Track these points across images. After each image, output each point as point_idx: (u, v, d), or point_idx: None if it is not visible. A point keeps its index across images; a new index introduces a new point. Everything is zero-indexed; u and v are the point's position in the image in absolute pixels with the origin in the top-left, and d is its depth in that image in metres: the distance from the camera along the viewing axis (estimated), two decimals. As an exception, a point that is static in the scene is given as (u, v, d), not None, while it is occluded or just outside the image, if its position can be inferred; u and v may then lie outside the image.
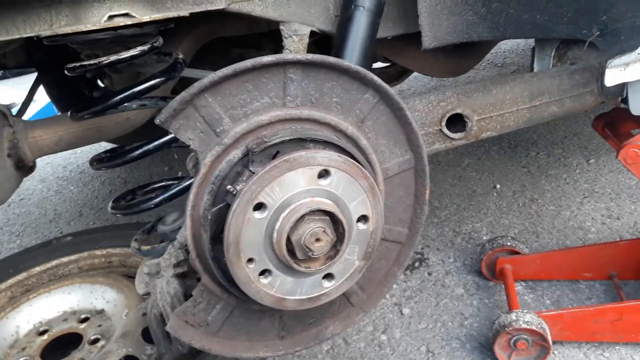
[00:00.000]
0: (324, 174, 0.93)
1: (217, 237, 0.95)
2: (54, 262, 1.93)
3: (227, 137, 0.96)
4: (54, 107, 3.04)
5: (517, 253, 2.05)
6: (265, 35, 2.17)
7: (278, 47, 2.19)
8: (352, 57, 1.26)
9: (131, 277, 1.79)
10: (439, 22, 1.46)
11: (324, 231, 0.92)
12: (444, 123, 1.46)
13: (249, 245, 0.91)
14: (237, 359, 1.17)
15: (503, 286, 2.00)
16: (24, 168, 1.65)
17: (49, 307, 1.75)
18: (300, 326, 1.12)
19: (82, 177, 3.70)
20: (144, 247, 1.37)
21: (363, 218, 0.98)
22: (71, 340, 1.63)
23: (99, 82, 2.64)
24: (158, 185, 1.54)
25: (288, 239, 0.91)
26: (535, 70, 1.76)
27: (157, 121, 0.92)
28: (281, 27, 1.40)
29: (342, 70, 1.00)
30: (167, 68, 1.36)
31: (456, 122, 1.49)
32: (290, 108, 1.00)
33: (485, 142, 3.21)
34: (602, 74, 1.47)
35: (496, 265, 2.03)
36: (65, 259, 1.95)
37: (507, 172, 2.88)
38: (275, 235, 0.91)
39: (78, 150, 4.03)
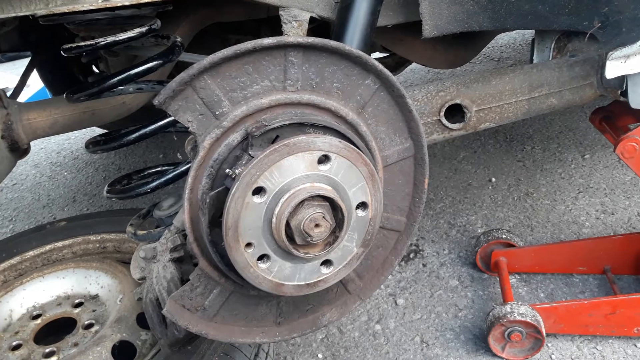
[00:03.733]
0: (323, 159, 0.92)
1: (216, 221, 0.94)
2: (48, 247, 1.91)
3: (226, 120, 0.95)
4: (48, 91, 3.01)
5: (512, 246, 2.05)
6: (263, 22, 2.15)
7: (276, 35, 2.18)
8: (352, 44, 1.25)
9: (126, 262, 1.78)
10: (439, 10, 1.45)
11: (323, 217, 0.91)
12: (442, 113, 1.46)
13: (248, 229, 0.90)
14: (234, 344, 1.17)
15: (497, 279, 2.01)
16: (18, 150, 1.63)
17: (43, 292, 1.73)
18: (297, 313, 1.11)
19: (76, 163, 3.68)
20: (140, 232, 1.36)
21: (362, 205, 0.98)
22: (65, 325, 1.61)
23: (94, 68, 2.62)
24: (154, 170, 1.52)
25: (287, 224, 0.90)
26: (534, 62, 1.75)
27: (155, 102, 0.91)
28: (281, 12, 1.39)
29: (344, 54, 0.99)
30: (164, 51, 1.35)
31: (455, 112, 1.49)
32: (291, 92, 0.99)
33: (482, 136, 3.21)
34: (602, 67, 1.47)
35: (491, 258, 2.04)
36: (59, 244, 1.93)
37: (502, 165, 2.88)
38: (274, 220, 0.91)
39: (72, 136, 3.99)
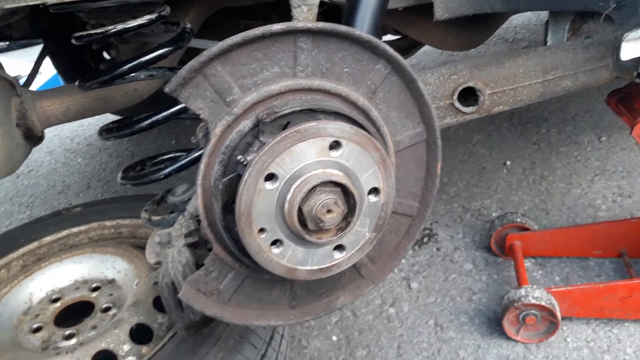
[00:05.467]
0: (335, 145, 0.92)
1: (229, 207, 0.95)
2: (64, 232, 1.94)
3: (237, 107, 0.95)
4: (60, 78, 3.03)
5: (526, 229, 2.05)
6: (272, 7, 2.14)
7: (286, 19, 2.17)
8: (362, 27, 1.23)
9: (141, 247, 1.80)
10: (452, -8, 1.43)
11: (335, 203, 0.91)
12: (455, 97, 1.44)
13: (261, 215, 0.91)
14: (249, 327, 1.19)
15: (512, 262, 2.01)
16: (33, 138, 1.65)
17: (61, 276, 1.77)
18: (310, 296, 1.12)
19: (90, 149, 3.72)
20: (155, 218, 1.38)
21: (374, 190, 0.98)
22: (83, 308, 1.65)
23: (105, 55, 2.63)
24: (167, 156, 1.53)
25: (299, 210, 0.91)
26: (548, 44, 1.72)
27: (166, 89, 0.91)
28: (290, -4, 1.38)
29: (354, 39, 0.98)
30: (175, 37, 1.34)
31: (468, 96, 1.47)
32: (301, 78, 0.98)
33: (496, 119, 3.17)
34: (618, 48, 1.44)
35: (505, 242, 2.03)
36: (75, 230, 1.96)
37: (517, 148, 2.86)
38: (286, 206, 0.91)
39: (85, 123, 4.03)
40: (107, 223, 1.98)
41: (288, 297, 1.10)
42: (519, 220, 2.06)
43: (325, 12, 1.88)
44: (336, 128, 0.91)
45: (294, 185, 0.91)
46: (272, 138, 0.91)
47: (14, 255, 1.86)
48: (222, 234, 0.98)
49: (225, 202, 0.95)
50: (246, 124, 0.96)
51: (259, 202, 0.90)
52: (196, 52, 1.62)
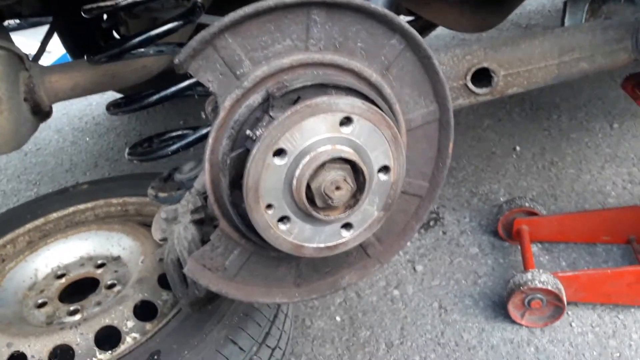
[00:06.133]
0: (345, 121, 0.90)
1: (236, 182, 0.94)
2: (71, 209, 1.94)
3: (247, 80, 0.93)
4: (69, 57, 3.02)
5: (534, 214, 2.03)
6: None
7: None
8: (376, 2, 1.20)
9: (147, 225, 1.80)
10: (468, -30, 1.40)
11: (345, 180, 0.90)
12: (469, 77, 1.42)
13: (268, 191, 0.90)
14: (253, 304, 1.18)
15: (518, 247, 1.99)
16: (41, 113, 1.64)
17: (67, 252, 1.77)
18: (316, 275, 1.11)
19: (98, 128, 3.71)
20: (161, 194, 1.37)
21: (384, 169, 0.96)
22: (88, 285, 1.65)
23: (115, 34, 2.60)
24: (175, 133, 1.52)
25: (308, 187, 0.89)
26: (566, 25, 1.69)
27: (175, 61, 0.89)
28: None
29: (369, 12, 0.96)
30: (185, 11, 1.33)
31: (481, 77, 1.45)
32: (313, 52, 0.96)
33: (507, 104, 3.14)
34: (638, 30, 1.41)
35: (513, 226, 2.01)
36: (81, 206, 1.95)
37: (527, 134, 2.82)
38: (294, 182, 0.89)
39: (93, 102, 4.02)
40: (114, 200, 1.97)
41: (294, 274, 1.09)
42: (527, 204, 2.04)
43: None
44: (347, 103, 0.89)
45: (303, 161, 0.89)
46: (282, 113, 0.89)
47: (20, 231, 1.86)
48: (229, 209, 0.97)
49: (232, 177, 0.94)
50: (256, 98, 0.94)
51: (267, 178, 0.89)
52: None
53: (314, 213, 0.91)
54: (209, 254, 1.01)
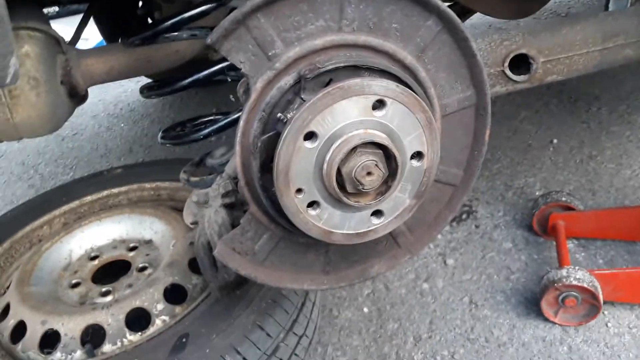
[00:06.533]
0: (378, 104, 0.88)
1: (267, 166, 0.93)
2: (105, 193, 1.97)
3: (279, 61, 0.92)
4: (105, 44, 3.06)
5: (571, 209, 1.96)
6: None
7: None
8: None
9: (179, 210, 1.81)
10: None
11: (376, 165, 0.87)
12: (507, 64, 1.37)
13: (299, 175, 0.88)
14: (281, 291, 1.18)
15: (553, 243, 1.93)
16: (77, 96, 1.66)
17: (100, 235, 1.80)
18: (345, 263, 1.10)
19: (132, 115, 3.76)
20: (193, 179, 1.38)
21: (418, 154, 0.93)
22: (120, 267, 1.67)
23: (150, 21, 2.63)
24: (207, 118, 1.52)
25: (338, 171, 0.87)
26: (610, 9, 1.62)
27: (208, 41, 0.88)
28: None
29: (405, -7, 0.93)
30: (218, -6, 1.32)
31: (519, 64, 1.40)
32: (346, 33, 0.94)
33: (544, 95, 3.04)
34: (689, 16, 1.34)
35: (548, 221, 1.95)
36: (115, 190, 1.98)
37: (565, 126, 2.73)
38: (325, 166, 0.88)
39: (128, 89, 4.08)
40: (147, 185, 2.00)
41: (322, 262, 1.08)
42: (563, 199, 1.97)
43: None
44: (381, 86, 0.87)
45: (334, 145, 0.87)
46: (313, 95, 0.87)
47: (57, 212, 1.91)
48: (259, 193, 0.96)
49: (263, 160, 0.93)
50: (287, 80, 0.93)
51: (297, 162, 0.88)
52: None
53: (344, 199, 0.89)
54: (238, 238, 1.01)
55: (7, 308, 1.53)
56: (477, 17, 2.37)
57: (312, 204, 0.92)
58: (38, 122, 1.52)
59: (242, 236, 1.01)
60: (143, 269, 1.64)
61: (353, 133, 0.87)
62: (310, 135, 0.87)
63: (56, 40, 1.55)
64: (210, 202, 1.22)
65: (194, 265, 1.51)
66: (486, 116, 1.06)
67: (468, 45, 0.99)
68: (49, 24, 1.57)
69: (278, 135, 0.90)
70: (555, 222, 1.93)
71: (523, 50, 1.37)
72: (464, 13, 2.41)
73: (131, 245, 1.76)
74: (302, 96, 0.90)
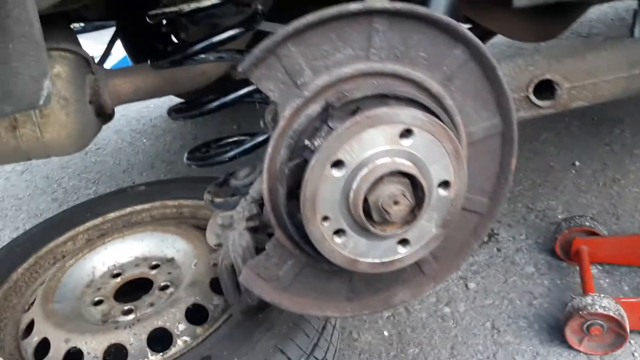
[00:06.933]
0: (406, 133, 0.88)
1: (293, 192, 0.93)
2: (128, 210, 1.99)
3: (307, 89, 0.93)
4: (129, 60, 3.12)
5: (595, 234, 1.93)
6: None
7: None
8: (437, 8, 1.18)
9: (201, 228, 1.82)
10: (533, -23, 1.35)
11: (403, 194, 0.87)
12: (531, 89, 1.37)
13: (325, 203, 0.89)
14: (303, 315, 1.17)
15: (577, 268, 1.90)
16: (104, 115, 1.70)
17: (123, 252, 1.81)
18: (369, 290, 1.09)
19: (155, 130, 3.82)
20: (217, 200, 1.39)
21: (444, 184, 0.93)
22: (142, 285, 1.68)
23: (173, 38, 2.68)
24: (232, 139, 1.54)
25: (365, 200, 0.87)
26: (636, 36, 1.61)
27: (239, 69, 0.90)
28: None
29: (432, 21, 0.94)
30: (246, 19, 1.34)
31: (543, 89, 1.39)
32: (374, 61, 0.95)
33: (566, 117, 3.02)
34: None
35: (572, 246, 1.92)
36: (138, 207, 2.00)
37: (587, 149, 2.70)
38: (352, 194, 0.88)
39: (151, 104, 4.14)
40: (170, 203, 2.01)
41: (346, 289, 1.08)
42: (587, 224, 1.94)
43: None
44: (408, 115, 0.87)
45: (361, 174, 0.87)
46: (340, 123, 0.88)
47: (80, 228, 1.93)
48: (284, 219, 0.97)
49: (290, 187, 0.94)
50: (315, 108, 0.94)
51: (324, 189, 0.88)
52: (265, 35, 1.61)
53: (370, 227, 0.89)
54: (263, 263, 1.01)
55: (31, 324, 1.54)
56: (498, 36, 2.37)
57: (338, 232, 0.92)
58: (67, 141, 1.55)
59: (267, 262, 1.01)
60: (165, 287, 1.64)
61: (380, 162, 0.87)
62: (337, 164, 0.88)
63: (86, 60, 1.59)
64: (234, 225, 1.22)
65: (215, 286, 1.51)
66: (512, 144, 1.06)
67: (495, 74, 0.99)
68: (79, 45, 1.61)
69: (305, 162, 0.91)
70: (579, 247, 1.90)
71: (548, 76, 1.36)
72: (485, 36, 2.41)
73: (153, 263, 1.76)
74: (330, 124, 0.90)
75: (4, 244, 2.19)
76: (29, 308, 1.65)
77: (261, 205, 1.13)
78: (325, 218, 0.90)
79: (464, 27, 0.95)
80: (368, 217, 0.89)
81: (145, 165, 3.34)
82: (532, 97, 1.37)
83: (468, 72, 0.99)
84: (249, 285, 1.00)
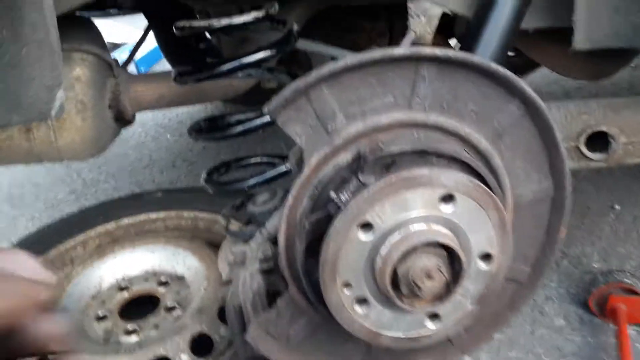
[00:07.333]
0: (447, 198, 0.78)
1: (313, 249, 0.84)
2: (142, 217, 1.93)
3: (338, 137, 0.83)
4: (161, 51, 3.05)
5: (635, 293, 1.79)
6: (383, 8, 2.00)
7: (394, 19, 2.01)
8: (487, 50, 1.06)
9: (215, 245, 1.75)
10: (598, 21, 1.23)
11: (439, 269, 0.77)
12: (583, 139, 1.25)
13: (348, 268, 0.79)
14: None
15: (611, 326, 1.76)
16: (123, 121, 1.63)
17: (132, 264, 1.75)
18: (388, 357, 0.99)
19: (180, 127, 3.75)
20: (232, 227, 1.31)
21: (486, 257, 0.82)
22: (148, 302, 1.61)
23: (207, 35, 2.60)
24: (254, 161, 1.45)
25: (394, 271, 0.77)
26: None
27: (265, 110, 0.81)
28: (409, 4, 1.23)
29: (487, 72, 0.83)
30: (280, 40, 1.24)
31: (595, 139, 1.27)
32: (416, 111, 0.84)
33: (608, 152, 2.85)
34: None
35: (607, 303, 1.78)
36: (153, 215, 1.94)
37: (629, 192, 2.53)
38: (379, 262, 0.78)
39: (179, 99, 4.08)
40: (185, 214, 1.94)
41: (362, 353, 0.98)
42: (626, 280, 1.80)
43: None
44: (451, 179, 0.77)
45: (392, 240, 0.77)
46: (373, 180, 0.78)
47: (92, 233, 1.87)
48: (300, 276, 0.87)
49: (309, 242, 0.84)
50: (345, 157, 0.84)
51: (347, 253, 0.78)
52: (297, 52, 1.51)
53: (397, 301, 0.79)
54: (273, 320, 0.92)
55: (30, 335, 1.49)
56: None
57: (360, 301, 0.82)
58: (81, 146, 1.49)
59: (277, 319, 0.92)
60: (171, 308, 1.57)
61: (415, 229, 0.77)
62: (365, 226, 0.78)
63: (108, 64, 1.52)
64: (246, 263, 1.14)
65: (223, 315, 1.42)
66: (563, 211, 0.94)
67: (552, 134, 0.88)
68: (104, 46, 1.54)
69: (329, 217, 0.81)
70: (616, 305, 1.76)
71: (603, 128, 1.24)
72: (530, 66, 2.28)
73: (162, 279, 1.69)
74: (360, 178, 0.80)
75: (19, 233, 2.16)
76: (31, 316, 1.60)
77: (276, 242, 1.04)
78: (347, 284, 0.80)
79: (522, 82, 0.84)
80: (396, 289, 0.79)
81: (166, 163, 3.28)
82: (583, 149, 1.25)
83: (521, 129, 0.88)
84: (256, 343, 0.91)
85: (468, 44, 1.00)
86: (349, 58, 0.78)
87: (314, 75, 0.79)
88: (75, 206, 2.71)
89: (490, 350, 1.74)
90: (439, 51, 0.80)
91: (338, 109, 0.83)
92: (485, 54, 0.98)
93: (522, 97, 0.86)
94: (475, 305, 0.85)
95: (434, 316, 0.85)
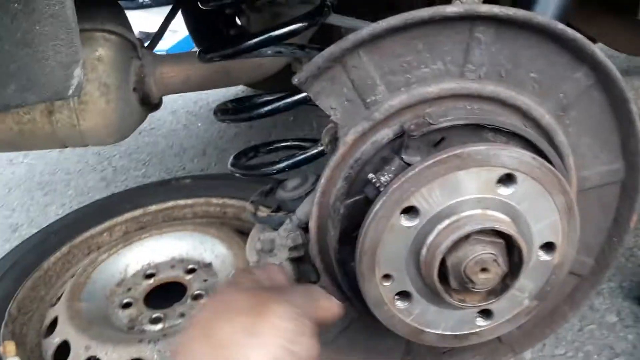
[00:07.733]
0: (506, 179, 0.67)
1: (348, 236, 0.74)
2: (170, 204, 1.89)
3: (378, 110, 0.73)
4: (192, 39, 2.99)
5: (697, 288, 1.64)
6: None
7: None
8: (547, 9, 0.93)
9: (243, 233, 1.69)
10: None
11: (495, 260, 0.66)
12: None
13: (389, 258, 0.69)
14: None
15: (670, 324, 1.63)
16: (149, 104, 1.56)
17: (159, 250, 1.70)
18: (431, 354, 0.90)
19: (211, 115, 3.67)
20: (260, 214, 1.23)
21: (548, 246, 0.71)
22: (175, 290, 1.56)
23: (237, 20, 2.52)
24: (283, 144, 1.37)
25: (442, 261, 0.67)
26: None
27: (295, 81, 0.71)
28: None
29: (554, 35, 0.71)
30: (311, 11, 1.15)
31: None
32: (470, 80, 0.74)
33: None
34: None
35: (667, 298, 1.65)
36: (181, 202, 1.90)
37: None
38: (425, 252, 0.68)
39: (210, 87, 4.03)
40: (214, 200, 1.90)
41: (402, 350, 0.89)
42: (688, 274, 1.65)
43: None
44: (512, 157, 0.66)
45: (440, 227, 0.67)
46: (419, 159, 0.68)
47: (118, 219, 1.83)
48: (333, 265, 0.78)
49: (344, 229, 0.75)
50: (386, 134, 0.74)
51: (389, 241, 0.69)
52: (331, 28, 1.41)
53: (446, 296, 0.69)
54: (304, 315, 0.83)
55: (55, 322, 1.46)
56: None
57: (402, 295, 0.72)
58: (105, 130, 1.43)
59: (309, 313, 0.83)
60: (198, 296, 1.52)
61: (468, 214, 0.67)
62: (409, 210, 0.68)
63: (132, 44, 1.45)
64: (275, 250, 1.06)
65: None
66: (635, 197, 0.82)
67: (627, 108, 0.76)
68: (128, 26, 1.47)
69: (367, 201, 0.72)
70: (676, 301, 1.62)
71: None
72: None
73: (189, 266, 1.64)
74: (404, 157, 0.70)
75: (49, 220, 2.14)
76: (56, 302, 1.56)
77: (306, 229, 0.96)
78: (387, 276, 0.71)
79: (593, 45, 0.73)
80: (444, 282, 0.69)
81: (197, 151, 3.24)
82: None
83: (590, 102, 0.77)
84: (285, 340, 0.82)
85: (524, 3, 0.87)
86: (392, 18, 0.68)
87: (350, 39, 0.69)
88: (105, 193, 2.69)
89: (535, 348, 1.63)
90: (497, 9, 0.68)
91: (379, 79, 0.72)
92: (544, 13, 0.86)
93: (592, 63, 0.74)
94: (534, 302, 0.74)
95: (485, 312, 0.74)
